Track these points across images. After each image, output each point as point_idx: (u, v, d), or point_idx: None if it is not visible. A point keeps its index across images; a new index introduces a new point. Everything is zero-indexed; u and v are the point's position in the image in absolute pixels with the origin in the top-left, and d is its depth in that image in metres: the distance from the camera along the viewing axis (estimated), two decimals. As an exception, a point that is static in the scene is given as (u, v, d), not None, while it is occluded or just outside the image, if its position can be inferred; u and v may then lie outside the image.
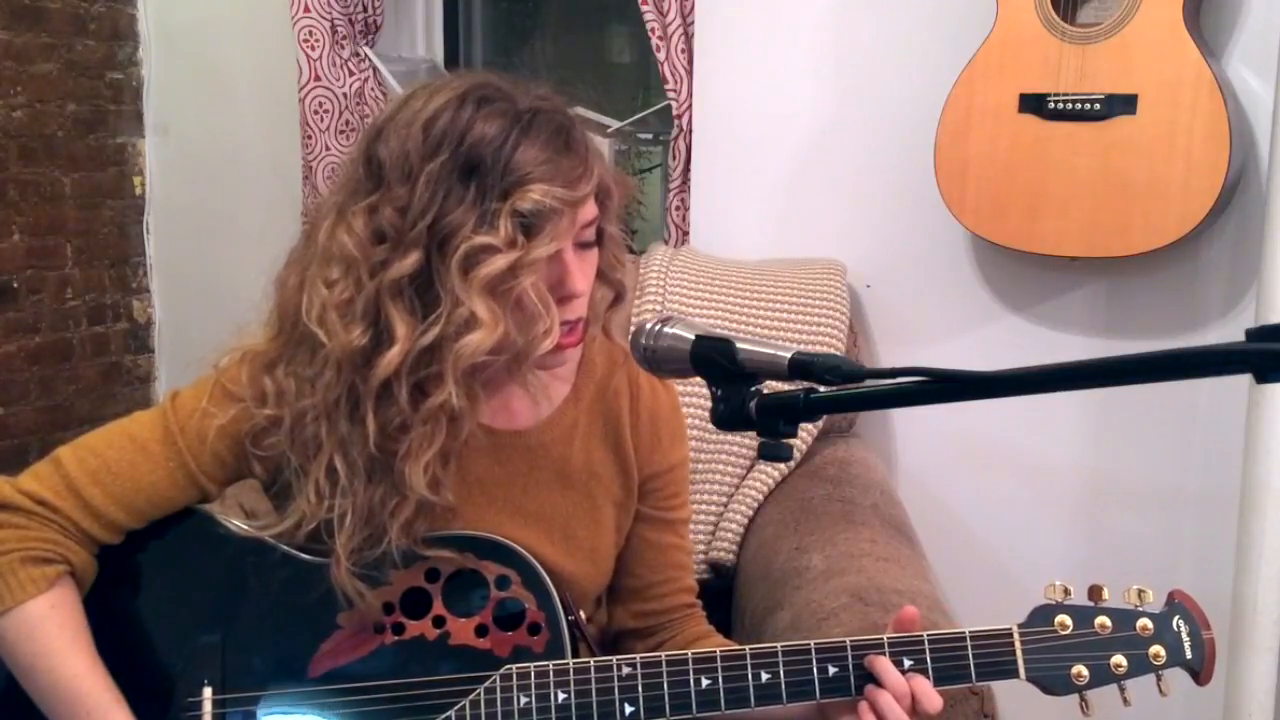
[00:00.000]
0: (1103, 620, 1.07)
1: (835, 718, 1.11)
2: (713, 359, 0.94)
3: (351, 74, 2.51)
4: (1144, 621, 1.07)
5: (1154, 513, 2.08)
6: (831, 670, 1.08)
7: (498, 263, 1.02)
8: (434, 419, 1.08)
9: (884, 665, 1.06)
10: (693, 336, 0.96)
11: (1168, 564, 2.07)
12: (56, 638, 1.09)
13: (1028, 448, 2.14)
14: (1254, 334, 0.70)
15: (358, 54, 2.53)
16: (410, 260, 1.04)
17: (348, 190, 1.10)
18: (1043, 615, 1.08)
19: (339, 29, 2.48)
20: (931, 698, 1.05)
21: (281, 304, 1.14)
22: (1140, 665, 1.07)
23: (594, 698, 1.09)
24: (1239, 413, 1.81)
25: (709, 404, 0.95)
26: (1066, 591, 1.08)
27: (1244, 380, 1.10)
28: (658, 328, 0.98)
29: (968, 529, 2.18)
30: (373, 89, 2.54)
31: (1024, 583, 2.16)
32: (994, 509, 2.18)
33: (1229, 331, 1.98)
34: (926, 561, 1.66)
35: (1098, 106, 1.82)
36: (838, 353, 1.71)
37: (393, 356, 1.04)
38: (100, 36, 2.84)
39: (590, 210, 1.10)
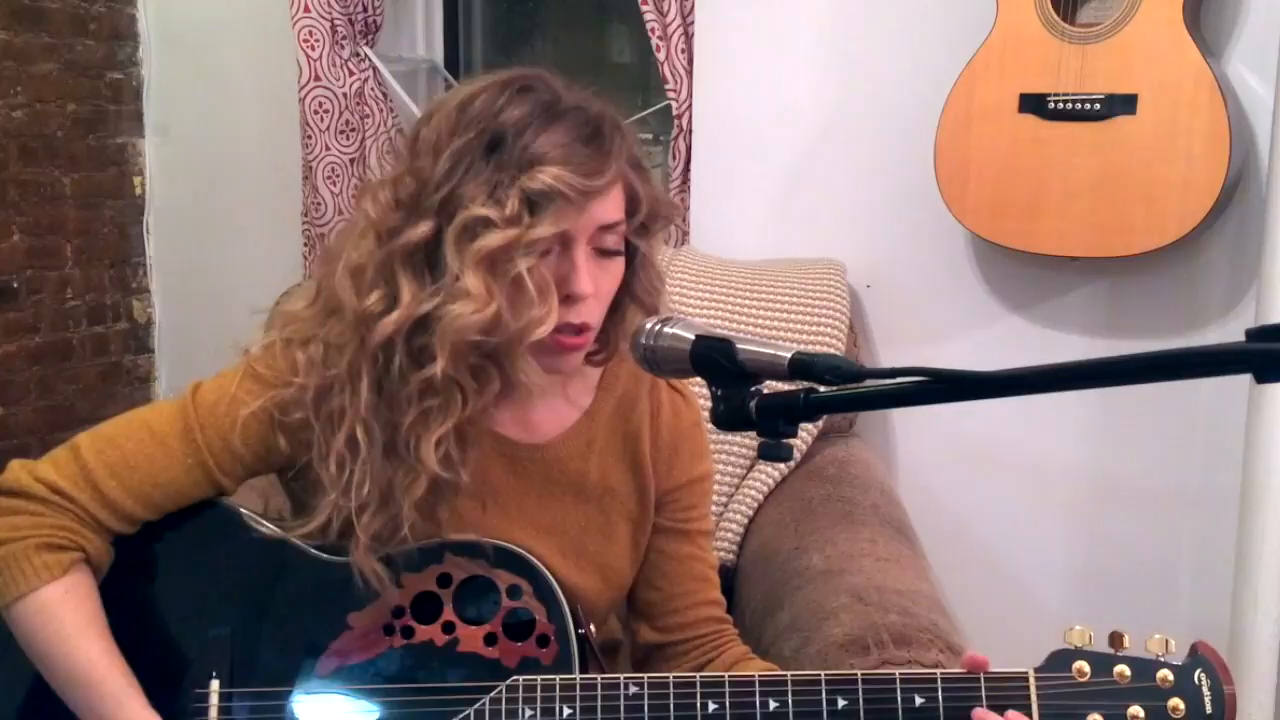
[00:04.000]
0: (1122, 669, 1.05)
1: None
2: (713, 359, 0.94)
3: (351, 74, 2.51)
4: (1164, 673, 1.04)
5: (1154, 513, 2.08)
6: (841, 703, 1.06)
7: (494, 238, 1.02)
8: (431, 393, 1.07)
9: (986, 717, 1.04)
10: (693, 336, 0.96)
11: (1168, 564, 2.08)
12: (71, 623, 1.09)
13: (1028, 448, 2.14)
14: (1254, 334, 0.70)
15: (358, 54, 2.53)
16: (422, 229, 1.05)
17: (386, 175, 1.13)
18: (1061, 660, 1.06)
19: (339, 29, 2.48)
20: None
21: (321, 276, 1.15)
22: (1158, 717, 1.04)
23: (599, 715, 1.07)
24: (1239, 413, 1.81)
25: (709, 404, 0.95)
26: (1087, 637, 1.06)
27: (1244, 380, 1.09)
28: (658, 328, 0.98)
29: (968, 529, 2.18)
30: (373, 89, 2.54)
31: (1024, 582, 2.16)
32: (994, 509, 2.18)
33: (1229, 331, 1.98)
34: (926, 561, 1.66)
35: (1098, 106, 1.82)
36: (838, 353, 1.70)
37: (389, 321, 1.05)
38: (100, 36, 2.84)
39: (612, 211, 1.09)
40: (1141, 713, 1.04)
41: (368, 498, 1.09)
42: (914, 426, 2.21)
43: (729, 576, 1.82)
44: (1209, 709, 1.04)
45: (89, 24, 2.81)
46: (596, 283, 1.10)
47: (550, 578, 1.14)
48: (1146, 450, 2.07)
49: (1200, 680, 1.05)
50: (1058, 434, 2.11)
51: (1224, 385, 1.60)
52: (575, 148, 1.05)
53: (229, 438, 1.14)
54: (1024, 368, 0.79)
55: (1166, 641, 1.06)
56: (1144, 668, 1.05)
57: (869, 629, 1.34)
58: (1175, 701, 1.04)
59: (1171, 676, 1.04)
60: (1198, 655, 1.06)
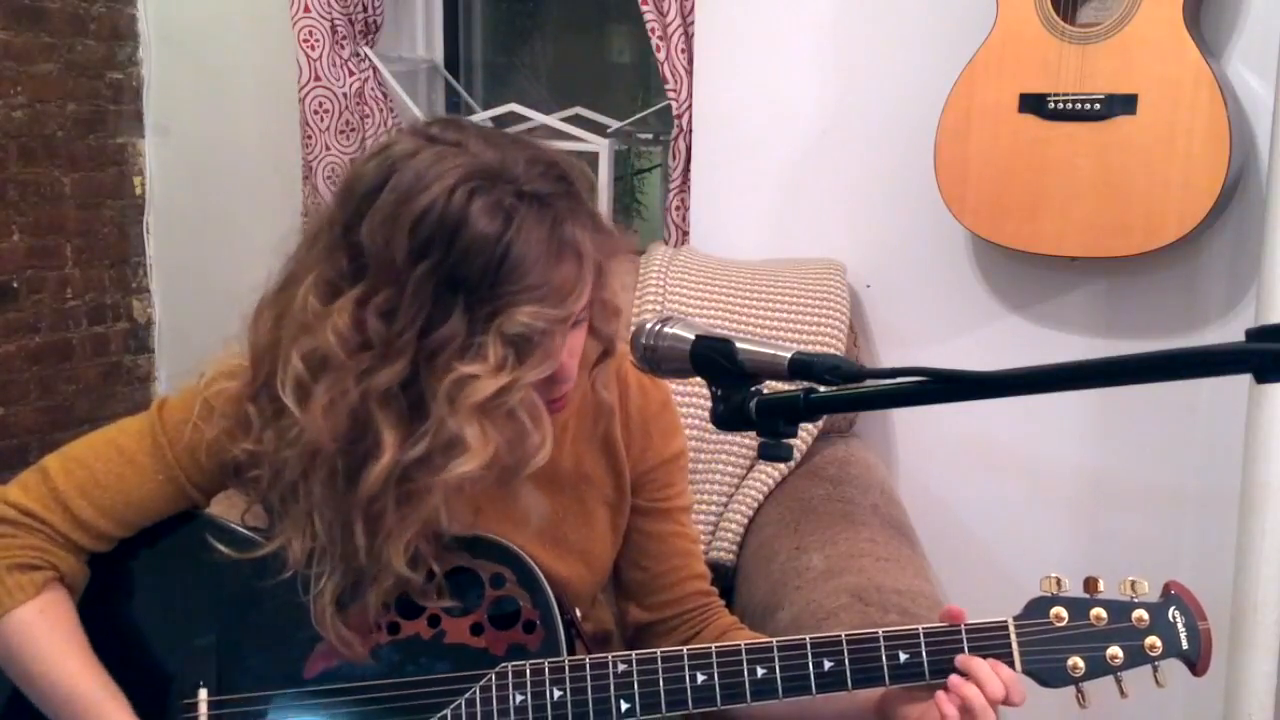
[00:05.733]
0: (1098, 612, 1.08)
1: (898, 707, 1.10)
2: (713, 359, 0.94)
3: (351, 74, 2.51)
4: (1139, 613, 1.08)
5: (1154, 513, 2.08)
6: (827, 665, 1.08)
7: (485, 388, 0.98)
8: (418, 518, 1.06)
9: (972, 660, 1.06)
10: (693, 336, 0.96)
11: (1168, 564, 2.07)
12: (48, 640, 1.09)
13: (1028, 448, 2.14)
14: (1254, 334, 0.70)
15: (358, 54, 2.53)
16: (398, 368, 1.00)
17: (325, 259, 1.04)
18: (1038, 607, 1.09)
19: (339, 29, 2.48)
20: (1016, 688, 1.05)
21: (255, 353, 1.10)
22: (1136, 656, 1.07)
23: (589, 695, 1.08)
24: (1239, 413, 1.81)
25: (709, 404, 0.95)
26: (1061, 583, 1.09)
27: (1244, 380, 1.10)
28: (658, 328, 0.98)
29: (968, 529, 2.18)
30: (373, 89, 2.54)
31: (1024, 582, 2.14)
32: (994, 509, 2.18)
33: (1229, 331, 1.98)
34: (926, 561, 1.66)
35: (1098, 106, 1.82)
36: (838, 353, 1.71)
37: (380, 470, 1.01)
38: (100, 36, 2.84)
39: (584, 301, 1.05)
40: (1120, 653, 1.07)
41: (330, 571, 1.08)
42: (914, 426, 2.21)
43: (729, 576, 1.82)
44: (1185, 645, 1.08)
45: (89, 24, 2.81)
46: (574, 355, 1.09)
47: (532, 564, 1.15)
48: (1146, 450, 2.07)
49: (1175, 618, 1.08)
50: (1058, 434, 2.11)
51: (1224, 385, 1.61)
52: (546, 274, 0.99)
53: (196, 453, 1.14)
54: (1024, 368, 0.79)
55: (1136, 583, 1.09)
56: (1120, 609, 1.08)
57: (869, 629, 1.34)
58: (1152, 640, 1.07)
59: (1147, 616, 1.08)
60: (1171, 594, 1.10)
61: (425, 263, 0.97)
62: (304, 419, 1.03)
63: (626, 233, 1.14)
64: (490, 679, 1.10)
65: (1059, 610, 1.08)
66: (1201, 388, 1.99)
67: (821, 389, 0.90)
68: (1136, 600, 1.09)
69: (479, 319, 0.98)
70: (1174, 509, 2.07)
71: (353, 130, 2.53)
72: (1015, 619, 1.09)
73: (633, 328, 1.02)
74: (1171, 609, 1.08)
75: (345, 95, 2.51)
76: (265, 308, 1.10)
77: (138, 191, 2.98)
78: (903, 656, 1.08)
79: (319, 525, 1.07)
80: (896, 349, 2.19)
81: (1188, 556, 2.07)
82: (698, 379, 0.96)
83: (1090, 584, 1.09)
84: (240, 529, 1.17)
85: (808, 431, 1.94)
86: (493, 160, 1.00)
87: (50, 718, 1.10)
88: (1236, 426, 1.82)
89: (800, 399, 0.90)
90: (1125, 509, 2.10)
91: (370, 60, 2.54)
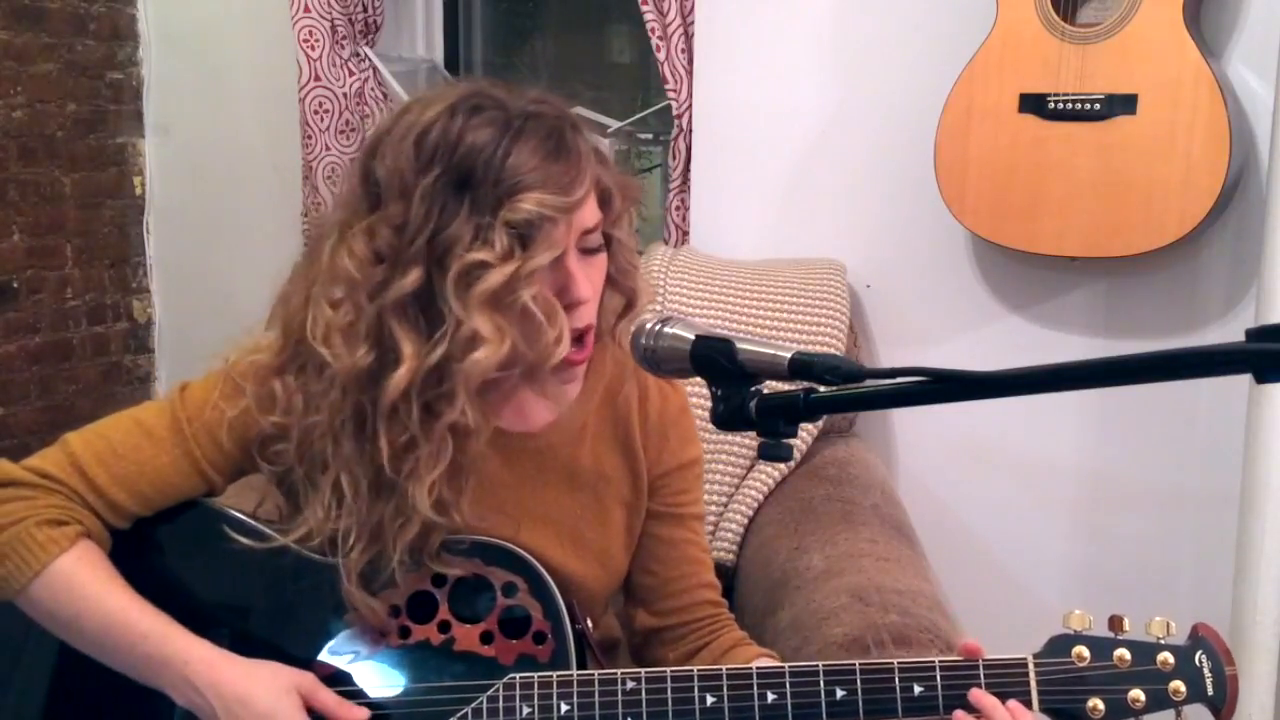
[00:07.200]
0: (1122, 653, 1.04)
1: None
2: (713, 359, 0.94)
3: (351, 74, 2.51)
4: (1165, 655, 1.04)
5: (1154, 513, 2.08)
6: (840, 694, 1.06)
7: (494, 277, 1.02)
8: (444, 438, 1.08)
9: (984, 697, 1.04)
10: (693, 336, 0.96)
11: (1168, 564, 2.08)
12: (91, 581, 1.09)
13: (1028, 448, 2.14)
14: (1254, 334, 0.70)
15: (358, 54, 2.53)
16: (411, 278, 1.04)
17: (349, 208, 1.10)
18: (1060, 645, 1.05)
19: (339, 29, 2.48)
20: None
21: (286, 320, 1.13)
22: (1159, 700, 1.03)
23: (597, 711, 1.08)
24: (1239, 413, 1.81)
25: (709, 404, 0.95)
26: (1087, 621, 1.05)
27: (1244, 380, 1.10)
28: (658, 328, 0.98)
29: (968, 529, 2.18)
30: (373, 89, 2.54)
31: (1024, 582, 2.16)
32: (994, 509, 2.18)
33: (1229, 331, 1.98)
34: (926, 561, 1.66)
35: (1098, 106, 1.82)
36: (838, 353, 1.70)
37: (400, 377, 1.04)
38: (100, 36, 2.84)
39: (591, 215, 1.10)
40: (1142, 696, 1.03)
41: (356, 537, 1.10)
42: (914, 426, 2.21)
43: (729, 576, 1.82)
44: (1210, 691, 1.03)
45: (89, 24, 2.81)
46: (592, 284, 1.11)
47: (545, 574, 1.14)
48: (1146, 450, 2.07)
49: (1201, 662, 1.04)
50: (1058, 434, 2.11)
51: (1224, 385, 1.61)
52: (546, 166, 1.04)
53: (215, 433, 1.15)
54: (1024, 368, 0.79)
55: (1167, 624, 1.05)
56: (1144, 651, 1.04)
57: (869, 629, 1.34)
58: (1176, 684, 1.03)
59: (1172, 659, 1.04)
60: (1198, 637, 1.06)
61: (431, 173, 1.03)
62: (331, 356, 1.06)
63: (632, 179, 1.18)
64: (498, 689, 1.09)
65: (1081, 649, 1.04)
66: (1201, 387, 1.99)
67: (821, 389, 0.90)
68: (1163, 641, 1.04)
69: (484, 213, 1.03)
70: (1174, 509, 2.07)
71: (353, 130, 2.53)
72: (1035, 656, 1.05)
73: (633, 328, 1.03)
74: (1199, 653, 1.04)
75: (345, 95, 2.51)
76: (294, 280, 1.14)
77: (138, 191, 2.98)
78: (917, 690, 1.05)
79: (347, 489, 1.09)
80: (896, 349, 2.19)
81: (1188, 556, 2.07)
82: (698, 379, 0.96)
83: (1115, 622, 1.05)
84: (254, 522, 1.17)
85: (808, 431, 1.94)
86: (495, 91, 1.09)
87: (105, 656, 1.10)
88: (1236, 426, 1.82)
89: (800, 399, 0.90)
90: (1125, 509, 2.10)
91: (370, 60, 2.54)
